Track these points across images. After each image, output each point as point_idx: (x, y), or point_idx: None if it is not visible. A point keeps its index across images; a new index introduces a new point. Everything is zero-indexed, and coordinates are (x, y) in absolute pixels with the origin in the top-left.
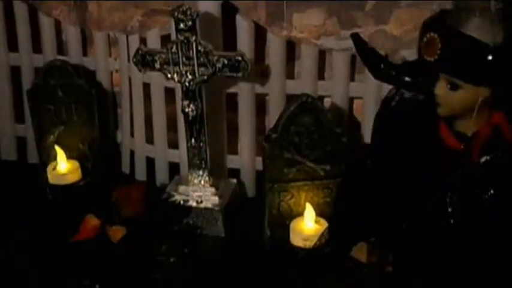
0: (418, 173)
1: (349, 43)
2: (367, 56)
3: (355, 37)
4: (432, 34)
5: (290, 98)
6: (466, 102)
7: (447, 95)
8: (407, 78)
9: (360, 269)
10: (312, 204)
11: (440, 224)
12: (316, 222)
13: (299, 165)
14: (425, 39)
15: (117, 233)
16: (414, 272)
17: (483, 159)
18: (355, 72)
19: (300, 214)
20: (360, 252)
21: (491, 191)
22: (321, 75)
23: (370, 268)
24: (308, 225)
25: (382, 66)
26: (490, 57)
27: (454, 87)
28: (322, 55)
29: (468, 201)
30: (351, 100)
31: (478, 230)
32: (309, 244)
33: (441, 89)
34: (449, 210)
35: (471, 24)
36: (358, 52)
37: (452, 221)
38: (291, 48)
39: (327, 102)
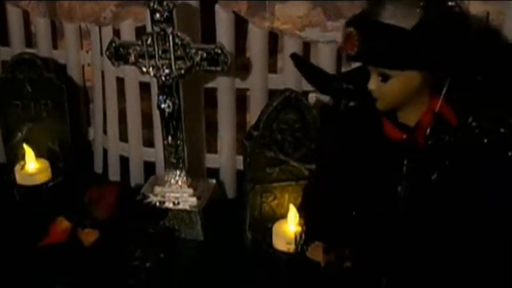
0: (369, 172)
1: (336, 35)
2: (309, 73)
3: (295, 57)
4: (350, 29)
5: (272, 93)
6: (401, 91)
7: (380, 87)
8: (348, 87)
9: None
10: (296, 206)
11: (393, 212)
12: (300, 225)
13: (282, 165)
14: (344, 35)
15: (89, 236)
16: (373, 263)
17: (427, 144)
18: (341, 65)
19: (283, 216)
20: (316, 252)
21: (436, 174)
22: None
23: (328, 267)
24: (291, 228)
25: (323, 80)
26: (406, 40)
27: (384, 78)
28: (307, 47)
29: (416, 187)
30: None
31: (429, 214)
32: (293, 248)
33: (373, 83)
34: (400, 198)
35: (386, 13)
36: (300, 71)
37: (403, 209)
38: (274, 40)
39: (311, 98)
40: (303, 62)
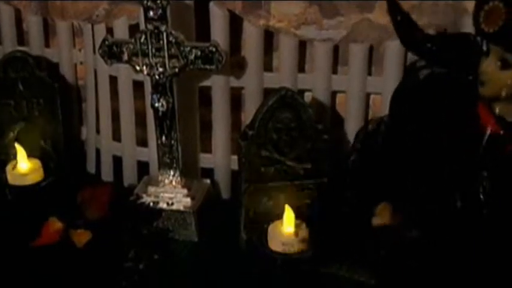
0: (447, 153)
1: (332, 33)
2: (400, 23)
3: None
4: (497, 2)
5: (268, 92)
6: None
7: (495, 73)
8: (445, 53)
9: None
10: (292, 207)
11: (471, 211)
12: (296, 225)
13: (278, 165)
14: (486, 7)
15: (81, 237)
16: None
17: None
18: (338, 64)
19: (279, 217)
20: (384, 212)
21: None
22: (301, 68)
23: (394, 230)
24: (287, 229)
25: (416, 34)
26: None
27: (505, 65)
28: (303, 46)
29: (502, 190)
30: (334, 94)
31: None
32: (288, 249)
33: (489, 66)
34: (482, 198)
35: None
36: (392, 18)
37: (484, 211)
38: (269, 38)
39: (307, 97)
40: (397, 8)
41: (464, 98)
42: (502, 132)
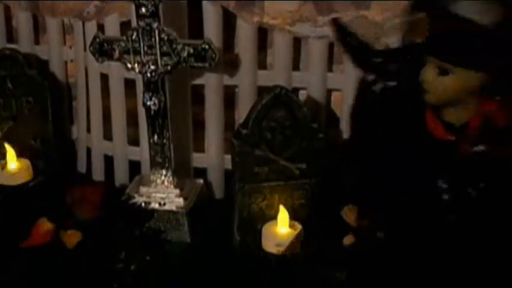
0: (405, 166)
1: (327, 30)
2: (348, 42)
3: (335, 22)
4: (420, 14)
5: (262, 90)
6: (456, 89)
7: (436, 80)
8: (392, 66)
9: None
10: (286, 207)
11: (434, 218)
12: (291, 226)
13: (272, 164)
14: (412, 20)
15: (72, 238)
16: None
17: (474, 151)
18: (333, 62)
19: (273, 217)
20: (350, 214)
21: (483, 184)
22: (295, 65)
23: (358, 232)
24: (281, 230)
25: (364, 53)
26: (483, 39)
27: (443, 72)
28: (297, 43)
29: (461, 195)
30: (329, 92)
31: (473, 225)
32: (283, 250)
33: (429, 74)
34: (444, 206)
35: (463, 3)
36: (339, 38)
37: (447, 217)
38: (263, 35)
39: (302, 95)
40: (343, 28)
41: (415, 108)
42: (451, 137)
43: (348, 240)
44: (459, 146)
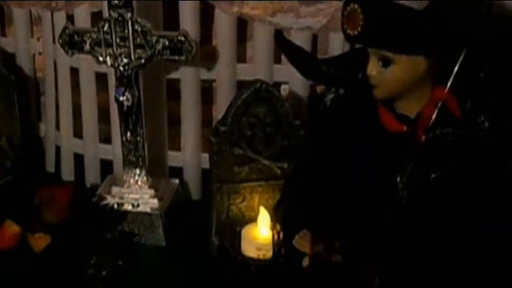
0: (364, 163)
1: (310, 21)
2: (294, 56)
3: (278, 36)
4: (353, 5)
5: (241, 85)
6: (403, 79)
7: (380, 73)
8: (339, 72)
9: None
10: (267, 208)
11: (390, 206)
12: (272, 229)
13: (252, 163)
14: (345, 12)
15: (40, 241)
16: (364, 259)
17: (428, 137)
18: (317, 54)
19: (253, 220)
20: (303, 242)
21: (438, 172)
22: (277, 58)
23: (315, 259)
24: (262, 233)
25: (311, 64)
26: (414, 21)
27: (386, 63)
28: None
29: (416, 183)
30: (313, 87)
31: (429, 211)
32: (264, 254)
33: (373, 68)
34: (399, 193)
35: None
36: (284, 53)
37: (403, 203)
38: (243, 27)
39: (284, 90)
40: (287, 42)
41: (368, 107)
42: (405, 128)
43: (305, 262)
44: (415, 137)
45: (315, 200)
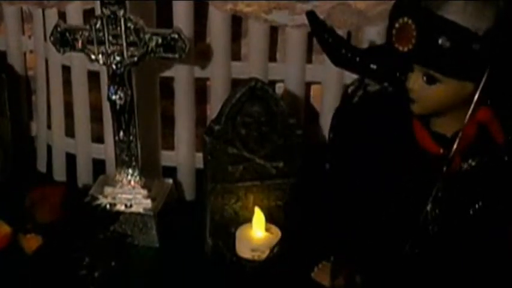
0: (389, 181)
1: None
2: (325, 38)
3: (311, 15)
4: (405, 19)
5: (236, 83)
6: (446, 99)
7: (423, 89)
8: (373, 66)
9: None
10: (262, 209)
11: (419, 241)
12: (267, 229)
13: (246, 163)
14: (397, 25)
15: (31, 242)
16: None
17: (467, 165)
18: (312, 53)
19: (248, 220)
20: (323, 274)
21: (479, 203)
22: (272, 56)
23: None
24: (257, 234)
25: (343, 50)
26: (475, 47)
27: (431, 80)
28: (274, 32)
29: (452, 215)
30: (308, 85)
31: (463, 249)
32: (258, 256)
33: (416, 82)
34: (430, 226)
35: (453, 7)
36: (315, 33)
37: (432, 238)
38: (237, 24)
39: (279, 88)
40: (321, 23)
41: (400, 117)
42: (441, 151)
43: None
44: (450, 160)
45: (335, 227)
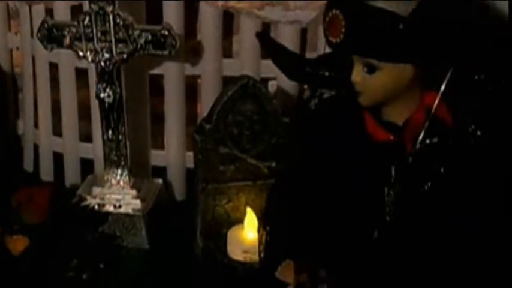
0: (348, 175)
1: (299, 14)
2: (278, 56)
3: (262, 36)
4: (334, 11)
5: (227, 81)
6: (389, 86)
7: (365, 80)
8: (325, 73)
9: None
10: (254, 209)
11: (378, 224)
12: (259, 231)
13: (238, 162)
14: (327, 18)
15: (18, 244)
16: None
17: (417, 147)
18: (306, 50)
19: (240, 221)
20: (286, 271)
21: (429, 183)
22: (264, 53)
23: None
24: (249, 235)
25: (295, 64)
26: (401, 28)
27: (371, 69)
28: (267, 29)
29: (406, 196)
30: (301, 86)
31: (419, 228)
32: (250, 257)
33: (358, 74)
34: (387, 208)
35: None
36: (268, 52)
37: (388, 219)
38: (228, 20)
39: (272, 86)
40: (271, 41)
41: (353, 114)
42: (392, 138)
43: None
44: (403, 146)
45: (297, 224)
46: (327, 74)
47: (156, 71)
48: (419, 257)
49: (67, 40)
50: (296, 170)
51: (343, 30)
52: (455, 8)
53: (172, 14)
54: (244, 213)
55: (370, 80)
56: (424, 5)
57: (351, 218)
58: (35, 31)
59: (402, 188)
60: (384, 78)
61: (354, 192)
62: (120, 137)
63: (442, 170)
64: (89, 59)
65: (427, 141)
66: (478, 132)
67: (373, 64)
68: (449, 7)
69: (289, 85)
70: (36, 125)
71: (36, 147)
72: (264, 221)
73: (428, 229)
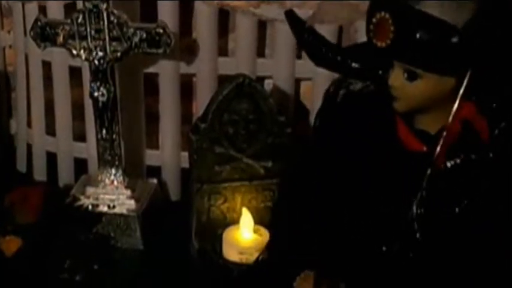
0: (373, 182)
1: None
2: (305, 37)
3: (290, 15)
4: (383, 14)
5: (223, 80)
6: (428, 95)
7: (404, 86)
8: (355, 65)
9: None
10: (250, 210)
11: (404, 242)
12: (255, 231)
13: (234, 162)
14: (374, 20)
15: (11, 244)
16: None
17: (452, 163)
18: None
19: (235, 222)
20: (305, 284)
21: (465, 202)
22: (260, 52)
23: None
24: (245, 236)
25: (324, 50)
26: (454, 41)
27: (412, 77)
28: (263, 27)
29: (437, 214)
30: (298, 82)
31: (449, 249)
32: (246, 258)
33: (397, 79)
34: (416, 226)
35: (430, 1)
36: (294, 34)
37: (419, 238)
38: (224, 18)
39: (268, 85)
40: (300, 22)
41: (383, 115)
42: (425, 149)
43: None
44: (436, 160)
45: (317, 234)
46: (356, 65)
47: (150, 69)
48: (448, 277)
49: (60, 38)
50: (317, 171)
51: (391, 35)
52: (508, 20)
53: (167, 11)
54: (240, 214)
55: (410, 87)
56: (478, 15)
57: (375, 229)
58: (28, 29)
59: (434, 204)
60: (424, 87)
61: (381, 202)
62: (114, 136)
63: (476, 191)
64: (83, 58)
65: (461, 156)
66: None
67: (416, 72)
68: (502, 18)
69: (285, 84)
70: (29, 124)
71: (29, 147)
72: (280, 228)
73: (460, 249)
